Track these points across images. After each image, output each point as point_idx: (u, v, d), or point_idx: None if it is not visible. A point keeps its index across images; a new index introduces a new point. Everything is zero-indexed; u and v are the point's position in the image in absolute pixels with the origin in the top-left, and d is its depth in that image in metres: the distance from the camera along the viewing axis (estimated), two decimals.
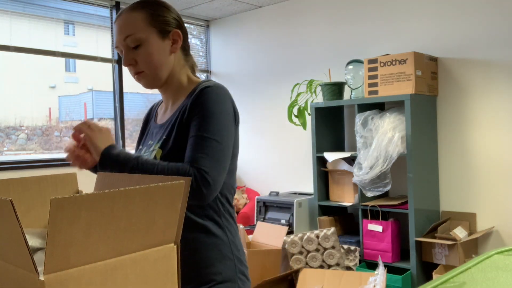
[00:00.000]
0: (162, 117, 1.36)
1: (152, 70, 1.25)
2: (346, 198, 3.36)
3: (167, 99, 1.36)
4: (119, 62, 4.04)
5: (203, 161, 1.14)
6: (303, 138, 3.91)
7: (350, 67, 3.35)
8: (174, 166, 1.15)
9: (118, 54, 4.04)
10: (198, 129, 1.17)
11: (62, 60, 4.23)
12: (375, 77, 3.14)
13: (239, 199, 4.17)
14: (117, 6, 4.04)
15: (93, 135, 1.19)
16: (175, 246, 0.79)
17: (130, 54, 1.24)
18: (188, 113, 1.22)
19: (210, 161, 1.14)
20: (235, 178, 1.32)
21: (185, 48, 1.33)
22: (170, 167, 1.15)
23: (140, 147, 1.40)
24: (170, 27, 1.26)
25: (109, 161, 1.17)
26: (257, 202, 3.81)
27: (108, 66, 4.05)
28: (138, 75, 1.27)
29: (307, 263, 3.03)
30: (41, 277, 0.61)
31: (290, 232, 3.36)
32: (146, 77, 1.27)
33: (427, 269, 3.02)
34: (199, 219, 1.21)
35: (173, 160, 1.20)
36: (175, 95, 1.32)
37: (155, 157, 1.24)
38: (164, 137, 1.26)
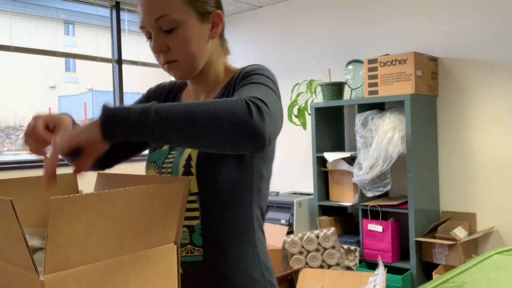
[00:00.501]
0: None
1: (188, 59, 1.03)
2: (346, 198, 3.36)
3: (198, 90, 1.14)
4: (119, 62, 4.04)
5: (256, 93, 0.88)
6: (303, 138, 3.91)
7: (350, 67, 3.35)
8: (218, 100, 0.83)
9: (118, 53, 4.03)
10: (247, 83, 0.96)
11: (62, 60, 4.23)
12: (375, 77, 3.14)
13: None
14: (117, 6, 4.04)
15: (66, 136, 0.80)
16: (175, 246, 0.79)
17: (161, 39, 1.00)
18: (233, 88, 1.02)
19: (263, 94, 0.88)
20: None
21: (222, 32, 1.12)
22: (215, 101, 0.82)
23: None
24: (210, 8, 1.05)
25: (119, 127, 0.79)
26: None
27: (108, 66, 4.05)
28: (170, 64, 1.03)
29: (307, 263, 3.03)
30: (41, 277, 0.61)
31: (290, 232, 3.36)
32: (180, 67, 1.04)
33: (427, 269, 3.02)
34: (231, 239, 1.02)
35: (213, 162, 0.98)
36: (210, 86, 1.11)
37: (189, 158, 1.00)
38: None
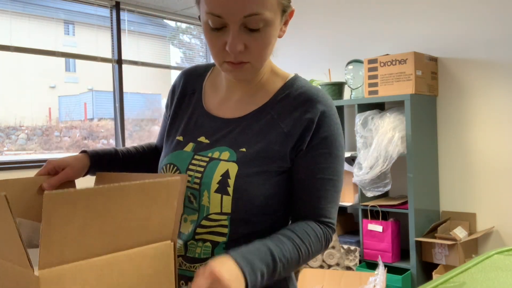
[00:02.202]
0: (221, 106, 1.00)
1: (261, 61, 0.91)
2: (346, 198, 3.36)
3: (236, 87, 1.00)
4: (119, 62, 4.04)
5: (332, 213, 0.95)
6: None
7: (350, 67, 3.35)
8: (314, 240, 0.91)
9: (118, 53, 4.03)
10: (327, 170, 0.93)
11: (62, 60, 4.23)
12: (375, 77, 3.14)
13: None
14: (117, 6, 4.04)
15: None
16: (172, 243, 0.78)
17: (242, 37, 0.86)
18: (306, 142, 0.93)
19: (334, 209, 0.96)
20: None
21: None
22: (312, 244, 0.91)
23: (179, 137, 1.01)
24: (290, 6, 0.94)
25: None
26: None
27: (108, 66, 4.05)
28: (241, 65, 0.89)
29: (307, 263, 3.03)
30: (36, 273, 0.61)
31: None
32: (251, 70, 0.91)
33: (427, 269, 3.02)
34: None
35: (253, 182, 0.90)
36: (252, 87, 0.99)
37: (226, 174, 0.90)
38: (243, 147, 0.92)
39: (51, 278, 0.62)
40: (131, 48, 4.14)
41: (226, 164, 0.91)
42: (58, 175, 1.01)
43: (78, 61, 4.38)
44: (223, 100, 1.01)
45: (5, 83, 3.86)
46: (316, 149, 0.93)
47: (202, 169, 0.93)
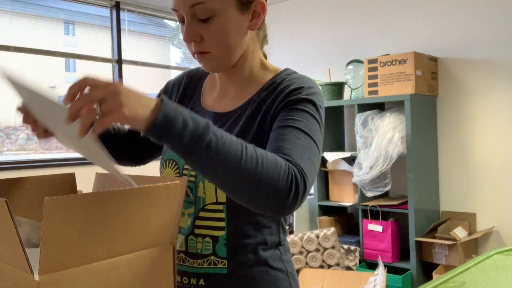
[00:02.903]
0: (217, 103, 1.03)
1: (223, 51, 0.93)
2: (346, 198, 3.36)
3: (229, 82, 1.03)
4: (119, 62, 4.04)
5: (302, 161, 0.83)
6: None
7: (350, 67, 3.35)
8: (269, 157, 0.78)
9: (118, 53, 4.03)
10: (293, 120, 0.88)
11: (62, 60, 4.23)
12: (375, 77, 3.14)
13: None
14: (117, 6, 4.04)
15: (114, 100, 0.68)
16: (172, 247, 0.78)
17: (195, 27, 0.90)
18: (276, 104, 0.93)
19: (308, 163, 0.84)
20: None
21: (262, 21, 1.01)
22: (265, 158, 0.77)
23: None
24: None
25: (169, 136, 0.72)
26: None
27: (108, 66, 4.05)
28: (202, 55, 0.93)
29: (307, 263, 3.03)
30: (36, 278, 0.61)
31: (290, 232, 3.36)
32: (212, 59, 0.94)
33: (427, 269, 3.02)
34: (259, 251, 0.96)
35: None
36: (243, 81, 1.01)
37: None
38: (234, 134, 0.92)
39: (51, 283, 0.62)
40: (131, 48, 4.14)
41: None
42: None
43: (78, 61, 4.38)
44: (219, 97, 1.04)
45: (5, 83, 3.85)
46: (289, 106, 0.91)
47: None
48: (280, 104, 0.92)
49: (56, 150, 4.19)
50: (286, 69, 1.02)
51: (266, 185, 0.76)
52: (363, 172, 3.05)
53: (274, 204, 0.78)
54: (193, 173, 0.96)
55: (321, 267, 3.03)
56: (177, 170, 0.99)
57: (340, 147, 3.68)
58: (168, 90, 1.12)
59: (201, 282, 0.95)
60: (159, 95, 1.12)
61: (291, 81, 0.95)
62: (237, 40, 0.93)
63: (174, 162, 1.00)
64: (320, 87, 3.53)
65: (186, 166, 0.97)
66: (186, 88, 1.10)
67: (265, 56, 1.08)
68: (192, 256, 0.96)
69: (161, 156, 1.08)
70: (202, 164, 0.74)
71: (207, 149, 0.73)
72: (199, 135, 0.72)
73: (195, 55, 0.94)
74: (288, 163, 0.80)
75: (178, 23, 0.97)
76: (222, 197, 0.93)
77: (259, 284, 0.95)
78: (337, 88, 3.43)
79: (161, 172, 1.03)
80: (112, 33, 4.06)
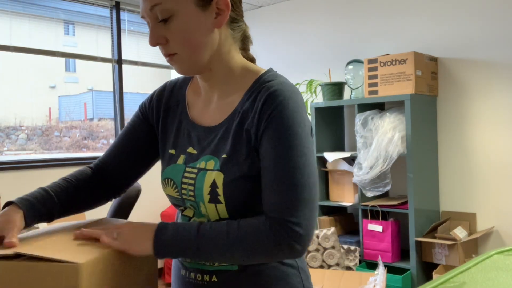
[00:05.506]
0: (204, 114, 1.01)
1: (189, 51, 0.91)
2: (346, 198, 3.36)
3: (209, 88, 1.01)
4: (119, 62, 4.04)
5: (289, 209, 0.84)
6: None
7: (350, 67, 3.35)
8: (248, 228, 0.86)
9: (118, 53, 4.03)
10: (276, 156, 0.87)
11: (62, 60, 4.23)
12: (375, 77, 3.14)
13: None
14: (117, 6, 4.04)
15: (122, 243, 0.87)
16: None
17: (159, 30, 0.91)
18: (255, 127, 0.91)
19: (296, 204, 0.85)
20: None
21: (235, 18, 0.97)
22: (243, 232, 0.86)
23: (172, 150, 1.02)
24: None
25: (170, 254, 0.89)
26: None
27: (108, 66, 4.05)
28: (170, 57, 0.94)
29: (307, 263, 3.03)
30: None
31: None
32: (181, 61, 0.93)
33: (427, 269, 3.02)
34: None
35: (241, 188, 0.91)
36: (223, 85, 0.99)
37: (214, 184, 0.91)
38: (223, 154, 0.93)
39: None
40: (131, 48, 4.15)
41: (212, 173, 0.92)
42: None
43: (78, 61, 4.38)
44: (204, 106, 1.02)
45: (5, 83, 3.86)
46: (265, 132, 0.89)
47: (193, 181, 0.94)
48: (259, 124, 0.90)
49: (56, 150, 4.19)
50: (267, 72, 0.98)
51: (259, 255, 0.86)
52: (363, 172, 3.05)
53: (278, 258, 0.89)
54: (191, 193, 0.95)
55: (321, 267, 3.03)
56: (176, 190, 0.98)
57: (340, 147, 3.68)
58: (153, 103, 1.09)
59: (214, 278, 0.96)
60: (142, 106, 1.12)
61: (268, 94, 0.91)
62: (202, 39, 0.91)
63: (172, 181, 0.99)
64: (320, 87, 3.54)
65: (184, 186, 0.96)
66: (168, 99, 1.08)
67: (253, 60, 1.05)
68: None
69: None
70: (201, 258, 0.89)
71: (198, 252, 0.87)
72: (189, 247, 0.87)
73: (167, 58, 0.94)
74: (268, 221, 0.86)
75: None
76: (224, 214, 0.93)
77: (271, 280, 0.96)
78: (337, 88, 3.43)
79: (163, 189, 1.03)
80: (112, 33, 4.06)
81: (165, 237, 0.87)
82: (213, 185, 0.91)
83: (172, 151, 1.02)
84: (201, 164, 0.95)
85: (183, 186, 0.96)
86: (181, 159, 0.99)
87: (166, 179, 1.00)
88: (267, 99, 0.90)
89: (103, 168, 1.10)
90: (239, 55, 1.00)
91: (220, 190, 0.91)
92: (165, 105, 1.07)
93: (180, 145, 1.01)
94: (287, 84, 0.93)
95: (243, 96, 0.95)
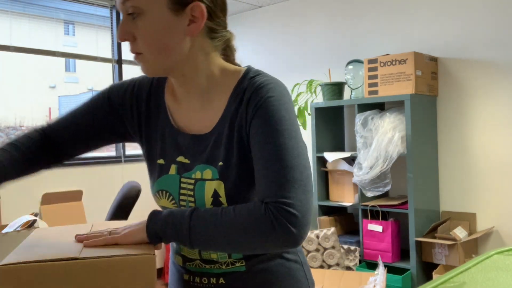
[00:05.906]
0: (188, 121, 0.98)
1: (154, 53, 0.89)
2: (346, 198, 3.36)
3: (188, 93, 0.97)
4: (119, 62, 4.04)
5: (280, 191, 0.82)
6: (303, 138, 3.91)
7: (350, 67, 3.35)
8: (242, 210, 0.83)
9: (118, 53, 4.04)
10: (264, 141, 0.86)
11: (62, 60, 4.23)
12: (375, 77, 3.14)
13: None
14: None
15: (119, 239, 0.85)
16: None
17: (128, 26, 0.88)
18: (244, 121, 0.90)
19: (287, 186, 0.82)
20: None
21: (214, 28, 0.92)
22: (238, 214, 0.83)
23: (160, 160, 0.98)
24: (186, 1, 0.87)
25: (165, 239, 0.87)
26: None
27: (108, 66, 4.05)
28: (136, 56, 0.92)
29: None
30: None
31: None
32: (146, 62, 0.91)
33: (427, 269, 3.02)
34: None
35: (244, 196, 0.90)
36: (205, 93, 0.95)
37: (216, 193, 0.90)
38: (219, 161, 0.91)
39: None
40: None
41: (211, 183, 0.90)
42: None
43: (78, 61, 4.38)
44: (187, 112, 0.98)
45: (5, 83, 3.86)
46: (253, 121, 0.88)
47: (192, 193, 0.93)
48: (247, 117, 0.89)
49: None
50: (247, 71, 0.96)
51: (253, 239, 0.82)
52: (363, 172, 3.05)
53: (273, 244, 0.82)
54: (191, 204, 0.93)
55: (321, 267, 3.03)
56: (174, 201, 0.95)
57: (340, 147, 3.68)
58: (134, 96, 1.05)
59: (221, 280, 0.96)
60: (114, 92, 1.10)
61: (253, 89, 0.90)
62: (171, 43, 0.88)
63: (168, 193, 0.96)
64: (320, 87, 3.54)
65: (182, 197, 0.94)
66: (148, 99, 1.03)
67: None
68: (208, 263, 0.97)
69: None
70: (194, 240, 0.85)
71: (190, 231, 0.84)
72: (179, 233, 0.85)
73: (134, 57, 0.92)
74: (263, 205, 0.82)
75: None
76: None
77: (277, 276, 0.97)
78: (337, 88, 3.43)
79: (157, 202, 1.00)
80: (112, 33, 4.06)
81: (159, 217, 0.86)
82: (215, 195, 0.90)
83: (160, 161, 0.98)
84: (196, 174, 0.92)
85: (182, 197, 0.94)
86: (173, 169, 0.96)
87: (160, 191, 0.97)
88: (253, 93, 0.89)
89: (50, 136, 1.06)
90: (219, 60, 0.96)
91: (223, 200, 0.90)
92: (146, 105, 1.02)
93: (168, 154, 0.97)
94: (271, 77, 0.93)
95: (229, 99, 0.93)
